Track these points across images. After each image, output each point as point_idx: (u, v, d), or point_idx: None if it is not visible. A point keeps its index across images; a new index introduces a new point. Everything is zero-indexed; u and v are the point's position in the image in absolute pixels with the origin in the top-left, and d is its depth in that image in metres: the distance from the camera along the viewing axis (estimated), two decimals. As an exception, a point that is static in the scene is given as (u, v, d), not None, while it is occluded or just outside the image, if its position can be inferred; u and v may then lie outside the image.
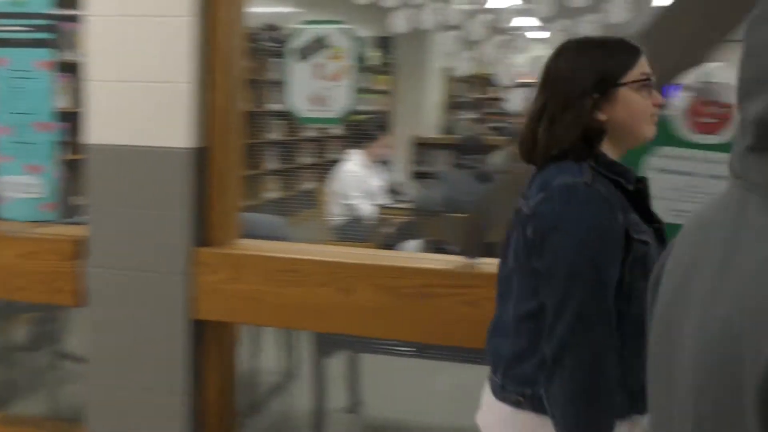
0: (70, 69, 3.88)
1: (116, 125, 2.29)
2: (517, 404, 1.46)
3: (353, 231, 4.07)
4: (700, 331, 0.65)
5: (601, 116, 1.41)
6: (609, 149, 1.44)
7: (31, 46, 2.42)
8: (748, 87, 0.66)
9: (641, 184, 1.47)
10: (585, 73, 1.41)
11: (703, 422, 0.63)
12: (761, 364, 0.54)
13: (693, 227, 0.76)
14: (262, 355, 3.41)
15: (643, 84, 1.42)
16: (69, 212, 2.94)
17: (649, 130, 1.45)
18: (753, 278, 0.58)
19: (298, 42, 2.27)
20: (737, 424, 0.57)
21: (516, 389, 1.46)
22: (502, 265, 1.56)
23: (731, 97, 1.91)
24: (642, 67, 1.42)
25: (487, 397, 1.55)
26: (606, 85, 1.40)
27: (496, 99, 9.12)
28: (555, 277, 1.36)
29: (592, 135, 1.42)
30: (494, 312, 1.58)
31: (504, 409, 1.48)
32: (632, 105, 1.42)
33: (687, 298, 0.70)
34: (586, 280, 1.34)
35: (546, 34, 2.29)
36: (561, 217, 1.36)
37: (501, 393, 1.49)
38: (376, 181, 4.40)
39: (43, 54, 2.42)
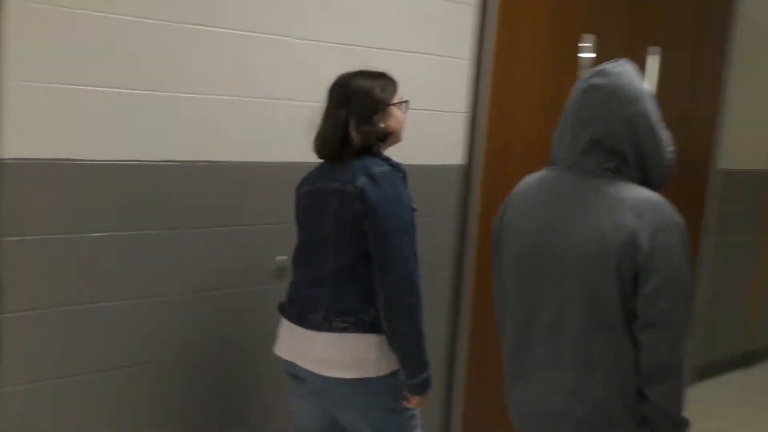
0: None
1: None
2: (342, 330, 1.97)
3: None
4: (580, 239, 1.58)
5: (384, 126, 2.04)
6: (380, 148, 2.07)
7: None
8: (581, 122, 1.64)
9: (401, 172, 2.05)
10: (378, 92, 2.03)
11: (588, 285, 1.57)
12: (617, 242, 1.52)
13: (526, 193, 1.75)
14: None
15: (402, 103, 2.10)
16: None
17: (403, 136, 2.12)
18: (606, 207, 1.57)
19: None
20: (606, 279, 1.54)
21: (341, 320, 1.97)
22: (312, 232, 2.06)
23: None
24: (399, 92, 2.10)
25: (302, 332, 2.03)
26: (387, 103, 2.04)
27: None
28: (394, 236, 1.93)
29: (381, 138, 2.05)
30: (300, 271, 2.11)
31: (329, 336, 1.98)
32: (398, 118, 2.09)
33: (555, 228, 1.63)
34: (410, 235, 1.97)
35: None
36: (387, 194, 1.94)
37: (325, 325, 1.99)
38: None
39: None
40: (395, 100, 2.07)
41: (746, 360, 4.99)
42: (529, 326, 1.70)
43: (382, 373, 1.98)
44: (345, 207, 1.95)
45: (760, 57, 4.58)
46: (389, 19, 2.73)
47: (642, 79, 1.72)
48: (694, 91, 4.16)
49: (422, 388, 2.00)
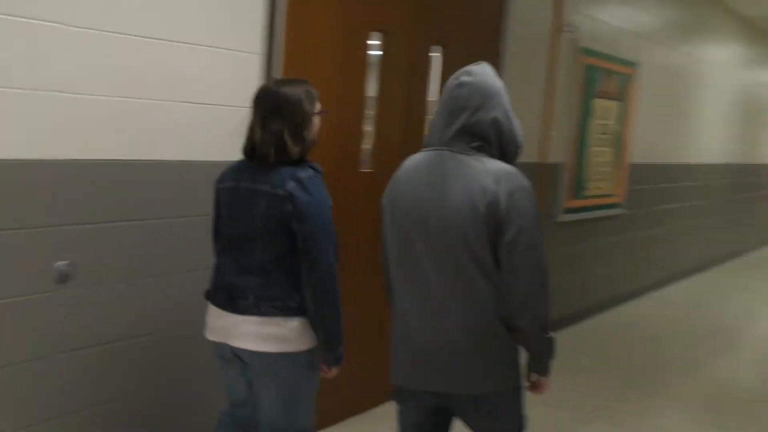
0: None
1: None
2: (270, 314, 2.24)
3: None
4: (456, 200, 1.99)
5: (313, 137, 2.33)
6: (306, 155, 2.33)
7: None
8: (453, 112, 2.07)
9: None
10: (306, 104, 2.27)
11: (463, 236, 1.97)
12: (484, 202, 1.95)
13: (411, 169, 2.12)
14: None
15: (322, 112, 2.37)
16: None
17: (317, 141, 2.38)
18: (474, 176, 2.00)
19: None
20: (477, 230, 1.96)
21: (270, 305, 2.24)
22: (240, 227, 2.29)
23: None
24: (318, 101, 2.35)
25: (232, 317, 2.28)
26: (312, 114, 2.31)
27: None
28: (320, 236, 2.22)
29: (310, 145, 2.33)
30: (227, 261, 2.34)
31: (258, 318, 2.25)
32: (317, 126, 2.36)
33: (436, 193, 2.02)
34: (332, 234, 2.27)
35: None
36: (313, 197, 2.22)
37: (254, 309, 2.25)
38: None
39: None
40: (317, 110, 2.33)
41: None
42: (417, 274, 2.07)
43: (302, 348, 2.28)
44: (274, 207, 2.21)
45: (529, 56, 5.01)
46: (180, 14, 2.68)
47: (498, 77, 2.15)
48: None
49: (339, 360, 2.37)
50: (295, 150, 2.24)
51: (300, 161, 2.26)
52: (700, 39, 7.97)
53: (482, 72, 2.11)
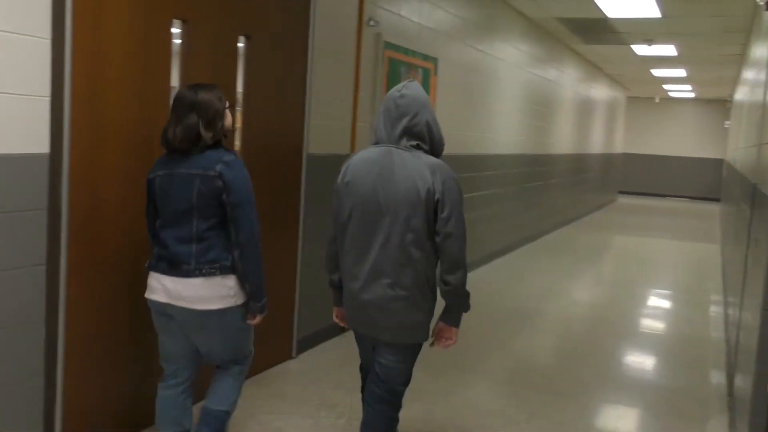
0: None
1: None
2: (211, 274, 2.75)
3: None
4: (401, 187, 2.65)
5: (222, 126, 2.85)
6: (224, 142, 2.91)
7: None
8: (397, 118, 2.73)
9: None
10: (216, 102, 2.83)
11: (406, 216, 2.65)
12: (423, 189, 2.63)
13: (364, 161, 2.76)
14: None
15: (230, 107, 2.96)
16: None
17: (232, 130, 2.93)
18: (412, 168, 2.66)
19: None
20: (417, 211, 2.64)
21: (209, 266, 2.75)
22: (178, 204, 2.78)
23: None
24: (225, 97, 2.93)
25: (176, 280, 2.76)
26: (223, 109, 2.87)
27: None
28: (245, 205, 2.76)
29: (225, 135, 2.89)
30: (168, 234, 2.81)
31: (201, 279, 2.75)
32: (229, 118, 2.95)
33: (384, 182, 2.67)
34: (254, 203, 2.81)
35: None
36: (238, 175, 2.77)
37: (197, 272, 2.75)
38: None
39: None
40: (226, 105, 2.90)
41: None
42: (363, 243, 2.73)
43: (238, 302, 2.85)
44: (208, 185, 2.74)
45: (336, 49, 5.08)
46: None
47: (425, 91, 2.81)
48: (284, 82, 4.43)
49: (263, 309, 2.92)
50: (207, 136, 2.78)
51: (217, 147, 2.82)
52: (492, 37, 8.49)
53: (415, 87, 2.78)
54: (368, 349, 2.96)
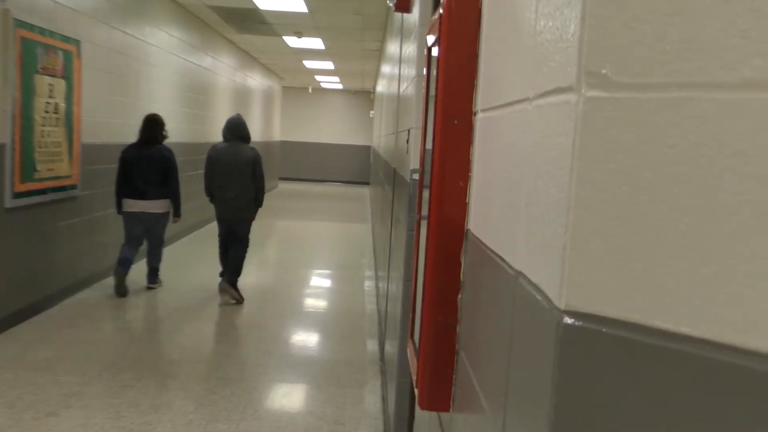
0: None
1: None
2: (160, 198, 6.73)
3: None
4: (240, 159, 6.58)
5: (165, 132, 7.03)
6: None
7: None
8: (234, 130, 6.78)
9: None
10: (161, 121, 6.95)
11: (243, 171, 6.86)
12: (251, 161, 6.68)
13: (222, 147, 6.63)
14: None
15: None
16: None
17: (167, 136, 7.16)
18: (244, 151, 6.68)
19: None
20: (247, 169, 6.93)
21: (160, 195, 6.72)
22: (145, 172, 6.61)
23: None
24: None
25: (144, 201, 6.62)
26: (164, 124, 7.06)
27: None
28: (174, 171, 6.85)
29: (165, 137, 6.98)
30: (140, 183, 6.67)
31: (156, 201, 6.70)
32: (167, 130, 7.12)
33: (233, 156, 6.58)
34: (178, 172, 7.18)
35: None
36: (173, 158, 6.84)
37: (154, 197, 6.65)
38: None
39: None
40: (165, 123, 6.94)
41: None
42: (225, 184, 6.50)
43: (170, 210, 6.83)
44: (161, 162, 6.63)
45: None
46: None
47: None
48: None
49: (180, 216, 6.99)
50: (161, 138, 6.72)
51: (161, 143, 6.71)
52: (141, 22, 8.16)
53: (239, 115, 6.77)
54: (226, 227, 6.70)
